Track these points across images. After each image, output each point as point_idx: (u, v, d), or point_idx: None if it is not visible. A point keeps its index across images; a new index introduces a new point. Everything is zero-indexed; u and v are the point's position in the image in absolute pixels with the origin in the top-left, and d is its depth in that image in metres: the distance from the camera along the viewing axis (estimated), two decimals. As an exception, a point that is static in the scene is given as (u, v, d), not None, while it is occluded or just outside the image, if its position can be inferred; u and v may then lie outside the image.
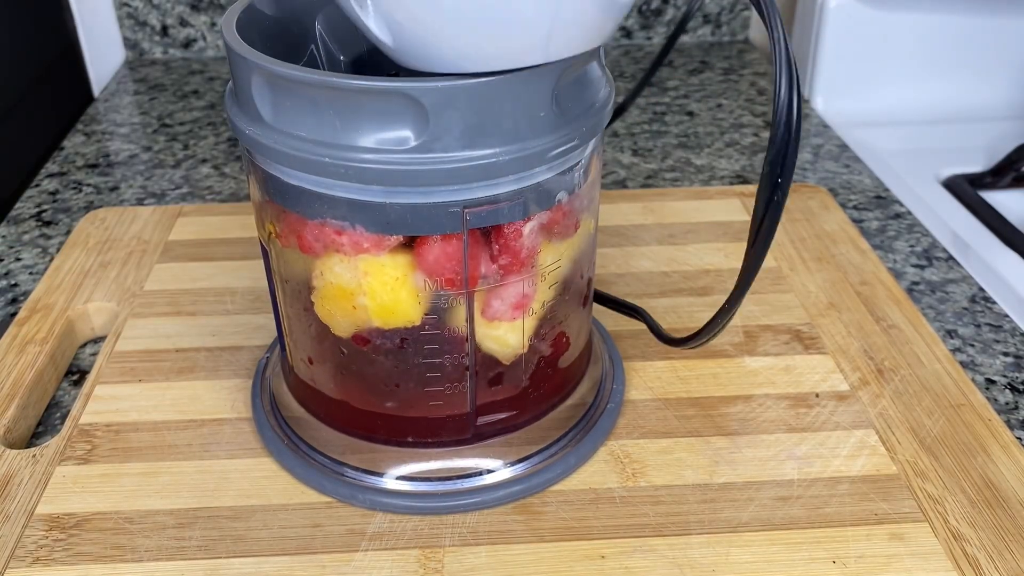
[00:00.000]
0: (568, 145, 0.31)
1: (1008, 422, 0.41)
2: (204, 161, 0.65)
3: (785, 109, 0.27)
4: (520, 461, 0.37)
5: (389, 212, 0.30)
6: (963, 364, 0.44)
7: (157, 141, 0.68)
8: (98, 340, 0.47)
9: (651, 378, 0.42)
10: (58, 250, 0.54)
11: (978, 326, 0.47)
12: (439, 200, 0.30)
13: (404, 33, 0.29)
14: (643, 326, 0.45)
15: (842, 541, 0.34)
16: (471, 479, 0.36)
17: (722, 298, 0.47)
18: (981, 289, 0.50)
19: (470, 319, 0.33)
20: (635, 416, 0.40)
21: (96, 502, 0.36)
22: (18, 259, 0.53)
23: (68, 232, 0.56)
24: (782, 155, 0.28)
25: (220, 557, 0.34)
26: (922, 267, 0.52)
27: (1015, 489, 0.36)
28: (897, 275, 0.51)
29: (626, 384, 0.42)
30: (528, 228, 0.32)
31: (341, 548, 0.34)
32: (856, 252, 0.51)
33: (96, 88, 0.76)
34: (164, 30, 0.81)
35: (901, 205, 0.59)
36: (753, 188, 0.58)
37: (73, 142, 0.68)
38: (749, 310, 0.47)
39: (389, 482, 0.36)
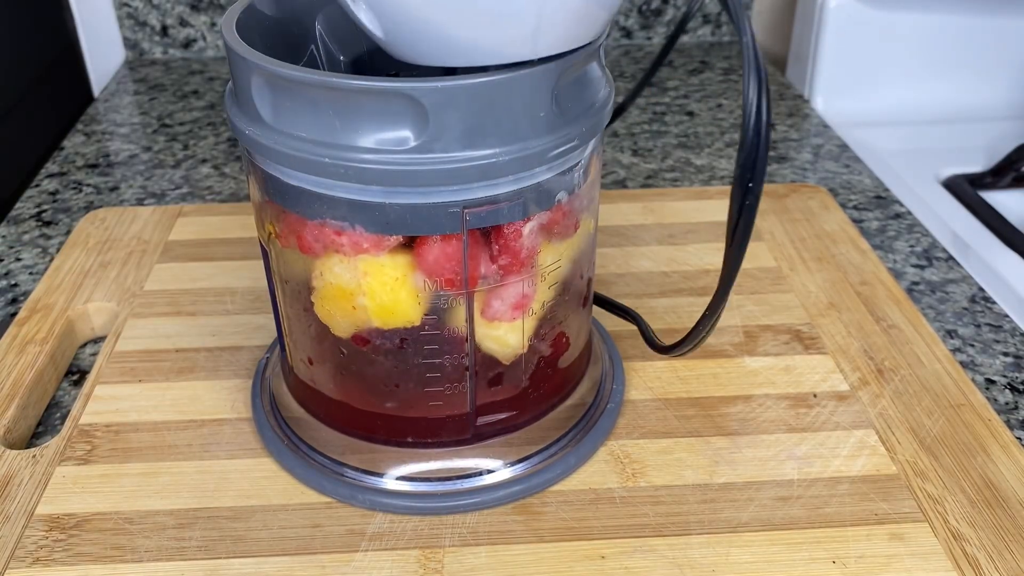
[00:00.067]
0: (568, 145, 0.31)
1: (1008, 422, 0.41)
2: (204, 161, 0.65)
3: (754, 112, 0.27)
4: (520, 461, 0.37)
5: (389, 212, 0.30)
6: (963, 364, 0.44)
7: (157, 141, 0.68)
8: (98, 340, 0.47)
9: (651, 378, 0.42)
10: (58, 250, 0.54)
11: (978, 326, 0.47)
12: (439, 200, 0.30)
13: (392, 25, 0.29)
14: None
15: (842, 541, 0.34)
16: (471, 479, 0.36)
17: (722, 298, 0.48)
18: (981, 289, 0.50)
19: (470, 319, 0.33)
20: (635, 416, 0.40)
21: (96, 502, 0.36)
22: (18, 259, 0.53)
23: (68, 232, 0.56)
24: (752, 159, 0.28)
25: (220, 557, 0.34)
26: (922, 267, 0.52)
27: (1015, 489, 0.36)
28: (897, 275, 0.51)
29: (626, 384, 0.42)
30: (528, 228, 0.32)
31: (341, 548, 0.34)
32: (856, 252, 0.51)
33: (96, 88, 0.76)
34: (164, 30, 0.81)
35: (901, 205, 0.59)
36: (753, 188, 0.58)
37: (73, 142, 0.68)
38: (749, 310, 0.47)
39: (389, 482, 0.36)
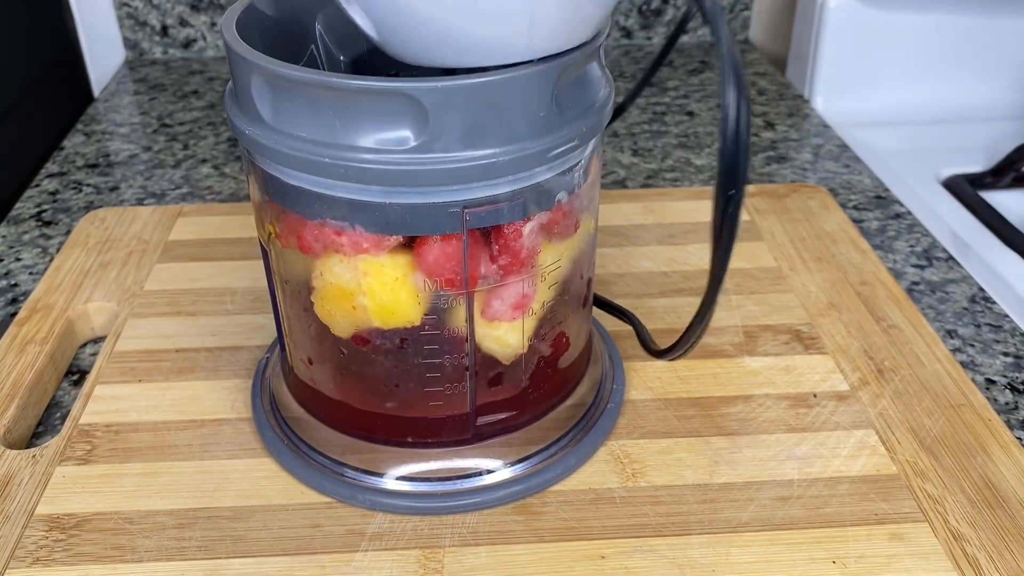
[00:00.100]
0: (568, 145, 0.31)
1: (1008, 422, 0.41)
2: (204, 161, 0.65)
3: (733, 119, 0.26)
4: (520, 461, 0.37)
5: (389, 212, 0.30)
6: (963, 364, 0.44)
7: (157, 141, 0.68)
8: (98, 340, 0.47)
9: (651, 378, 0.42)
10: (58, 250, 0.54)
11: (978, 326, 0.47)
12: (439, 200, 0.30)
13: (385, 24, 0.29)
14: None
15: (842, 541, 0.34)
16: (471, 479, 0.36)
17: (722, 298, 0.48)
18: (981, 289, 0.50)
19: (470, 319, 0.33)
20: (635, 416, 0.40)
21: (96, 502, 0.36)
22: (18, 259, 0.53)
23: (68, 232, 0.56)
24: (732, 166, 0.27)
25: (220, 557, 0.34)
26: (922, 267, 0.52)
27: (1015, 489, 0.36)
28: (897, 275, 0.51)
29: (626, 384, 0.42)
30: (528, 228, 0.32)
31: (341, 548, 0.34)
32: (856, 252, 0.51)
33: (96, 88, 0.76)
34: (164, 30, 0.81)
35: (901, 205, 0.59)
36: (754, 188, 0.58)
37: (73, 142, 0.68)
38: (749, 310, 0.47)
39: (389, 482, 0.36)
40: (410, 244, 0.31)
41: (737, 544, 0.34)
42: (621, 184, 0.62)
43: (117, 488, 0.37)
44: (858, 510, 0.35)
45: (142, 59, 0.82)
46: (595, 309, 0.45)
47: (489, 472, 0.36)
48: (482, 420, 0.36)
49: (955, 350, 0.45)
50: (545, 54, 0.29)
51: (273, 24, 0.34)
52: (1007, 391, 0.43)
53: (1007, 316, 0.48)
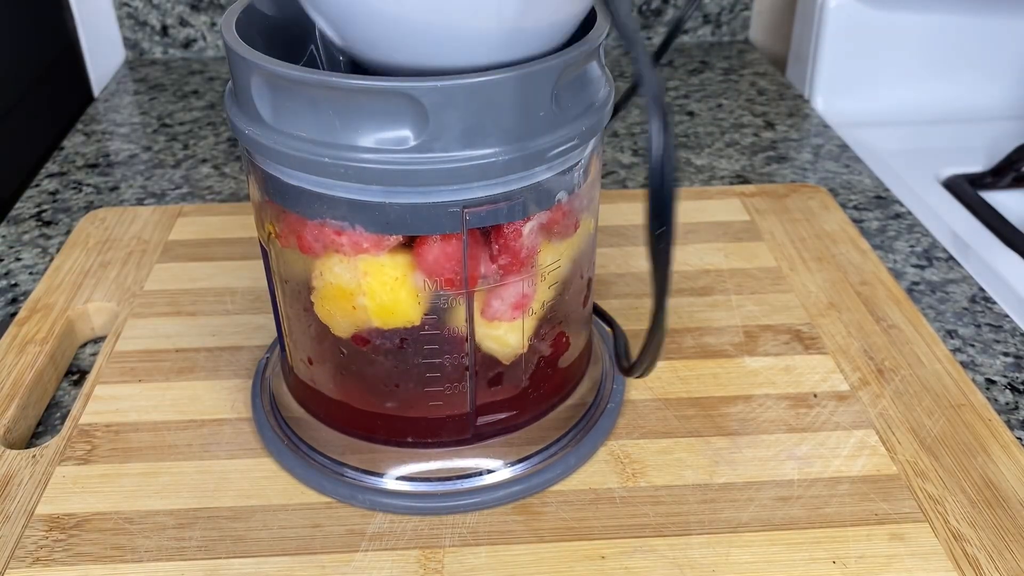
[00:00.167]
0: (568, 145, 0.31)
1: (1008, 422, 0.41)
2: (204, 161, 0.65)
3: (658, 161, 0.25)
4: (520, 461, 0.37)
5: (389, 212, 0.30)
6: (963, 364, 0.44)
7: (157, 141, 0.68)
8: (98, 340, 0.47)
9: (651, 378, 0.42)
10: (58, 250, 0.54)
11: (978, 326, 0.47)
12: (438, 200, 0.30)
13: (342, 30, 0.29)
14: (642, 326, 0.44)
15: (842, 541, 0.34)
16: (471, 479, 0.36)
17: (723, 298, 0.48)
18: (981, 289, 0.50)
19: (470, 319, 0.33)
20: (635, 416, 0.40)
21: (96, 502, 0.36)
22: (18, 259, 0.53)
23: (68, 232, 0.56)
24: (660, 207, 0.26)
25: (220, 557, 0.34)
26: (922, 267, 0.52)
27: (1015, 489, 0.36)
28: (897, 275, 0.51)
29: (626, 384, 0.42)
30: (528, 228, 0.32)
31: (341, 548, 0.34)
32: (856, 252, 0.51)
33: (96, 88, 0.76)
34: (164, 30, 0.81)
35: (901, 205, 0.59)
36: (754, 188, 0.58)
37: (73, 142, 0.68)
38: (749, 310, 0.47)
39: (389, 482, 0.36)
40: (410, 244, 0.31)
41: (737, 544, 0.34)
42: (621, 184, 0.62)
43: (117, 488, 0.37)
44: (858, 510, 0.35)
45: (142, 59, 0.82)
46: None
47: (489, 472, 0.36)
48: (482, 420, 0.36)
49: (955, 350, 0.45)
50: (519, 51, 0.29)
51: (273, 24, 0.34)
52: (1007, 391, 0.43)
53: (1007, 316, 0.48)
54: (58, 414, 0.42)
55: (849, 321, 0.46)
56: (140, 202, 0.60)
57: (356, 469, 0.36)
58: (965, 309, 0.48)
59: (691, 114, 0.72)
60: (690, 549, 0.34)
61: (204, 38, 0.82)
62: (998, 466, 0.37)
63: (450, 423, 0.36)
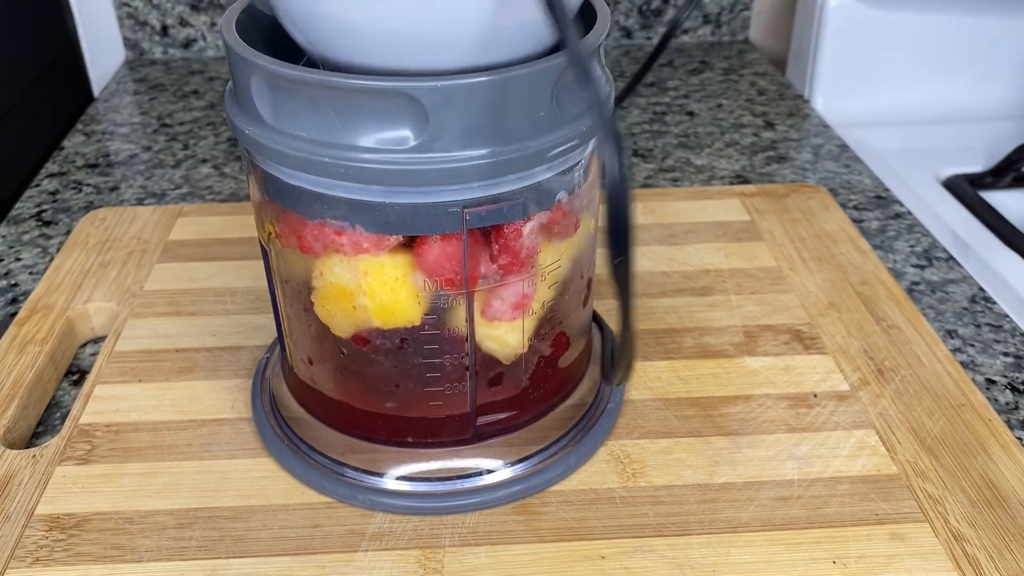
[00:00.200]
0: (568, 145, 0.31)
1: (1008, 422, 0.41)
2: (204, 161, 0.65)
3: (615, 186, 0.25)
4: (520, 461, 0.37)
5: (389, 212, 0.30)
6: (963, 364, 0.44)
7: (157, 141, 0.68)
8: (98, 340, 0.47)
9: (651, 378, 0.42)
10: (58, 250, 0.54)
11: (978, 326, 0.47)
12: (439, 200, 0.30)
13: (304, 31, 0.29)
14: (643, 326, 0.45)
15: (842, 541, 0.34)
16: (471, 479, 0.36)
17: (722, 298, 0.48)
18: (981, 289, 0.50)
19: (470, 319, 0.33)
20: (635, 416, 0.40)
21: (96, 502, 0.36)
22: (18, 259, 0.53)
23: (68, 232, 0.56)
24: (619, 232, 0.26)
25: (220, 557, 0.34)
26: (922, 267, 0.52)
27: (1015, 489, 0.36)
28: (897, 275, 0.51)
29: (626, 384, 0.42)
30: (528, 228, 0.32)
31: (341, 548, 0.34)
32: (856, 252, 0.51)
33: (96, 88, 0.76)
34: (164, 30, 0.81)
35: (901, 205, 0.59)
36: (754, 188, 0.58)
37: (73, 142, 0.68)
38: (749, 310, 0.47)
39: (389, 482, 0.36)
40: (410, 244, 0.31)
41: (737, 544, 0.34)
42: (621, 184, 0.62)
43: (117, 488, 0.37)
44: (858, 510, 0.35)
45: (142, 59, 0.82)
46: (601, 307, 0.45)
47: (489, 472, 0.36)
48: (482, 420, 0.36)
49: (955, 350, 0.45)
50: (493, 55, 0.29)
51: (273, 24, 0.34)
52: (1007, 391, 0.43)
53: (1007, 316, 0.48)
54: (58, 414, 0.42)
55: (849, 321, 0.46)
56: (140, 202, 0.60)
57: (356, 469, 0.36)
58: (965, 309, 0.48)
59: (691, 114, 0.72)
60: (690, 549, 0.34)
61: (204, 38, 0.82)
62: (998, 466, 0.37)
63: (450, 423, 0.36)
